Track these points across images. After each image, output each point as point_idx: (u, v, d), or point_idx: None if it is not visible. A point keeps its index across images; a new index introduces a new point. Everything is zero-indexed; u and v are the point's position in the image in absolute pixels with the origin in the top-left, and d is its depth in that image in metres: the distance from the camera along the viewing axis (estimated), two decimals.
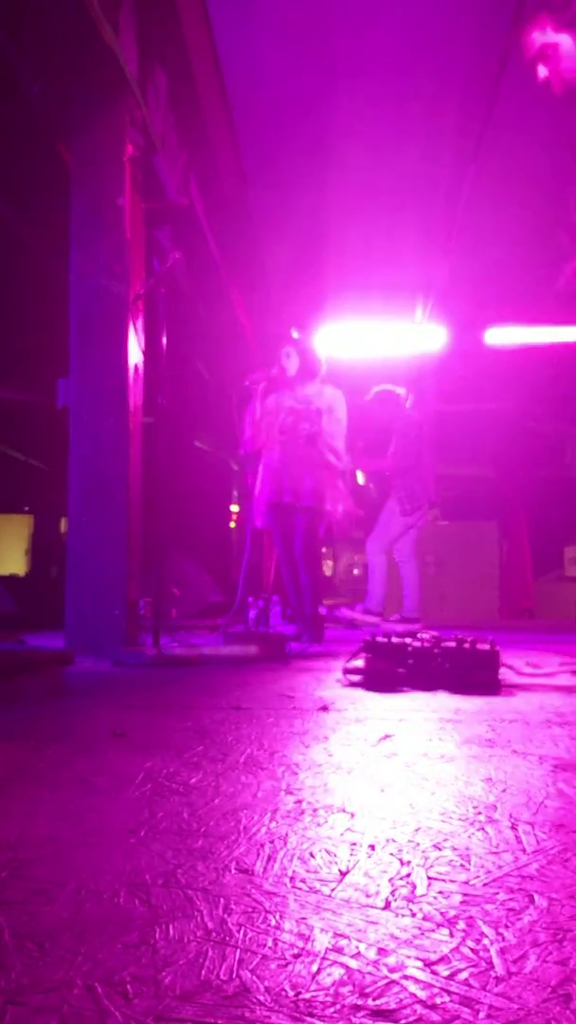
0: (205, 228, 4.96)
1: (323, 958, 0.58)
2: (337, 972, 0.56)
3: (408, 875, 0.76)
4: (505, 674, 2.39)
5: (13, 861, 0.78)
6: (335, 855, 0.81)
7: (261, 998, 0.52)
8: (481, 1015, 0.51)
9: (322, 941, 0.61)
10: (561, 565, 9.79)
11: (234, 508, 10.48)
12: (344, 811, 0.97)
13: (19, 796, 1.03)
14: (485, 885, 0.73)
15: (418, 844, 0.85)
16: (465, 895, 0.71)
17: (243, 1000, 0.52)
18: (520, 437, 9.34)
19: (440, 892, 0.71)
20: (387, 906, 0.68)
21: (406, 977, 0.55)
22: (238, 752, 1.30)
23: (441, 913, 0.67)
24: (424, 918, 0.66)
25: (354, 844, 0.85)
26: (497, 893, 0.71)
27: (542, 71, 2.95)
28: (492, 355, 7.08)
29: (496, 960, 0.58)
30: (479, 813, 0.96)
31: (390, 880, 0.74)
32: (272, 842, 0.85)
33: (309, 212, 5.57)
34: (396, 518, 5.44)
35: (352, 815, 0.95)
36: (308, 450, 3.88)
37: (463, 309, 6.82)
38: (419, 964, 0.57)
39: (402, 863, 0.79)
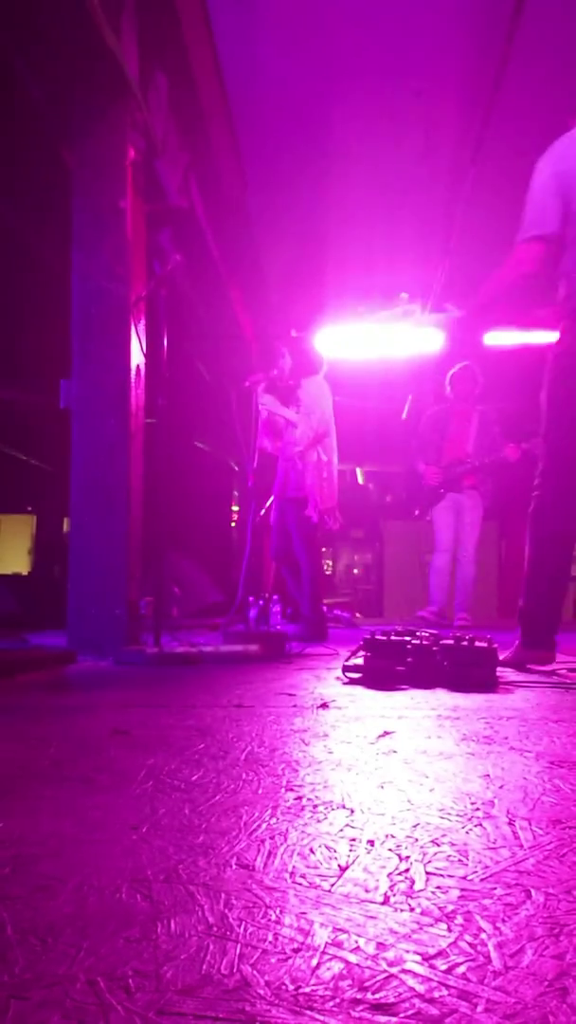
0: (206, 230, 4.98)
1: (323, 952, 0.59)
2: (337, 966, 0.57)
3: (407, 870, 0.76)
4: (503, 672, 2.40)
5: (16, 857, 0.79)
6: (335, 851, 0.82)
7: (262, 992, 0.53)
8: (479, 1009, 0.51)
9: (322, 936, 0.62)
10: None
11: (234, 508, 10.48)
12: (344, 807, 0.97)
13: (22, 793, 1.04)
14: (483, 880, 0.74)
15: (417, 840, 0.85)
16: (463, 890, 0.71)
17: (244, 994, 0.53)
18: (520, 437, 9.31)
19: (438, 887, 0.72)
20: (386, 901, 0.69)
21: (405, 971, 0.56)
22: (239, 749, 1.30)
23: (439, 908, 0.67)
24: (422, 913, 0.66)
25: (353, 840, 0.85)
26: (495, 888, 0.72)
27: None
28: (491, 356, 7.07)
29: (494, 954, 0.59)
30: (477, 809, 0.97)
31: (389, 875, 0.75)
32: (272, 838, 0.85)
33: (309, 214, 5.58)
34: (482, 514, 5.11)
35: (351, 811, 0.96)
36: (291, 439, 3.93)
37: (462, 310, 6.81)
38: (418, 958, 0.58)
39: (401, 859, 0.79)
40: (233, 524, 10.37)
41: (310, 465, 3.92)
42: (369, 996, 0.53)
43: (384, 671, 2.23)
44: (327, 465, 3.99)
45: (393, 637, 2.28)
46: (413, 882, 0.73)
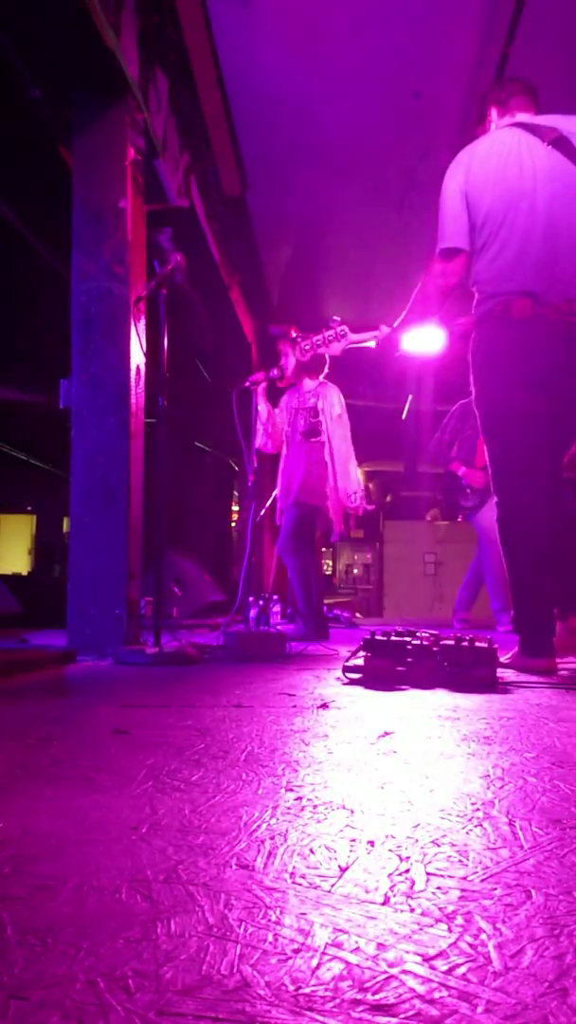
0: (206, 230, 4.98)
1: (323, 953, 0.59)
2: (337, 967, 0.57)
3: (407, 871, 0.76)
4: (503, 672, 2.40)
5: (16, 857, 0.79)
6: (335, 851, 0.82)
7: (262, 992, 0.53)
8: (479, 1009, 0.51)
9: (322, 936, 0.62)
10: None
11: (234, 508, 10.49)
12: (344, 808, 0.97)
13: (22, 793, 1.04)
14: (483, 881, 0.74)
15: (417, 840, 0.85)
16: (463, 891, 0.71)
17: (244, 994, 0.53)
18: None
19: (438, 888, 0.72)
20: (386, 902, 0.69)
21: (405, 972, 0.56)
22: (239, 750, 1.30)
23: (439, 908, 0.67)
24: (423, 913, 0.66)
25: (354, 840, 0.85)
26: (495, 889, 0.72)
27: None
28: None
29: (494, 955, 0.59)
30: (477, 810, 0.97)
31: (389, 876, 0.75)
32: (272, 838, 0.85)
33: (309, 214, 5.58)
34: None
35: (352, 812, 0.96)
36: (305, 446, 3.93)
37: (462, 310, 6.81)
38: (418, 959, 0.58)
39: (401, 859, 0.79)
40: (233, 524, 10.37)
41: (334, 473, 3.95)
42: (369, 997, 0.53)
43: (384, 671, 2.23)
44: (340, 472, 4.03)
45: (393, 637, 2.28)
46: (413, 882, 0.73)
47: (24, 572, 11.59)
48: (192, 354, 6.92)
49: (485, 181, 2.49)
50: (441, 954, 0.59)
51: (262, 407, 3.98)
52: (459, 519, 5.44)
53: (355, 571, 14.74)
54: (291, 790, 1.06)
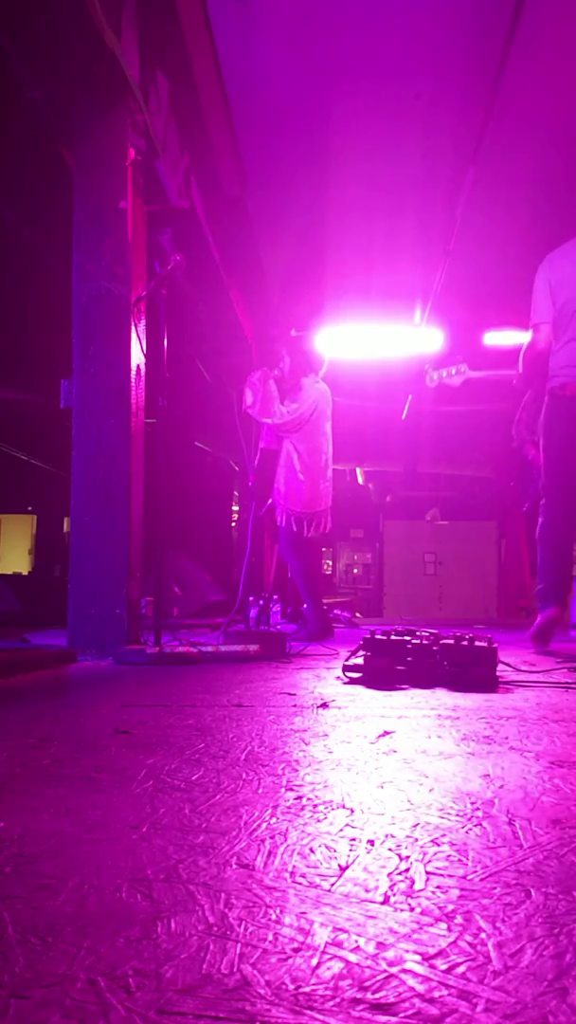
0: (206, 231, 4.98)
1: (323, 952, 0.59)
2: (337, 966, 0.57)
3: (407, 870, 0.76)
4: (503, 671, 2.40)
5: (17, 856, 0.79)
6: (335, 850, 0.82)
7: (262, 991, 0.53)
8: (479, 1008, 0.51)
9: (322, 935, 0.62)
10: None
11: (234, 508, 10.49)
12: (344, 807, 0.98)
13: (23, 792, 1.04)
14: (482, 880, 0.74)
15: (417, 839, 0.85)
16: (463, 890, 0.71)
17: (244, 993, 0.53)
18: None
19: (438, 887, 0.72)
20: (386, 901, 0.69)
21: (405, 971, 0.56)
22: (239, 749, 1.31)
23: (439, 908, 0.67)
24: (422, 912, 0.66)
25: (353, 840, 0.85)
26: (494, 888, 0.72)
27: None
28: (491, 357, 7.08)
29: (493, 954, 0.59)
30: (477, 809, 0.97)
31: (389, 875, 0.75)
32: (272, 837, 0.86)
33: (309, 214, 5.58)
34: None
35: (351, 811, 0.96)
36: (283, 444, 3.94)
37: (462, 311, 6.83)
38: (417, 958, 0.58)
39: (401, 858, 0.79)
40: (233, 524, 10.38)
41: (279, 465, 3.91)
42: (369, 996, 0.53)
43: (384, 671, 2.23)
44: (305, 466, 3.92)
45: (393, 637, 2.28)
46: (413, 882, 0.73)
47: (25, 572, 11.61)
48: (192, 353, 6.91)
49: (560, 281, 3.19)
50: (441, 953, 0.59)
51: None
52: (525, 509, 5.38)
53: (355, 571, 14.75)
54: (291, 789, 1.06)
